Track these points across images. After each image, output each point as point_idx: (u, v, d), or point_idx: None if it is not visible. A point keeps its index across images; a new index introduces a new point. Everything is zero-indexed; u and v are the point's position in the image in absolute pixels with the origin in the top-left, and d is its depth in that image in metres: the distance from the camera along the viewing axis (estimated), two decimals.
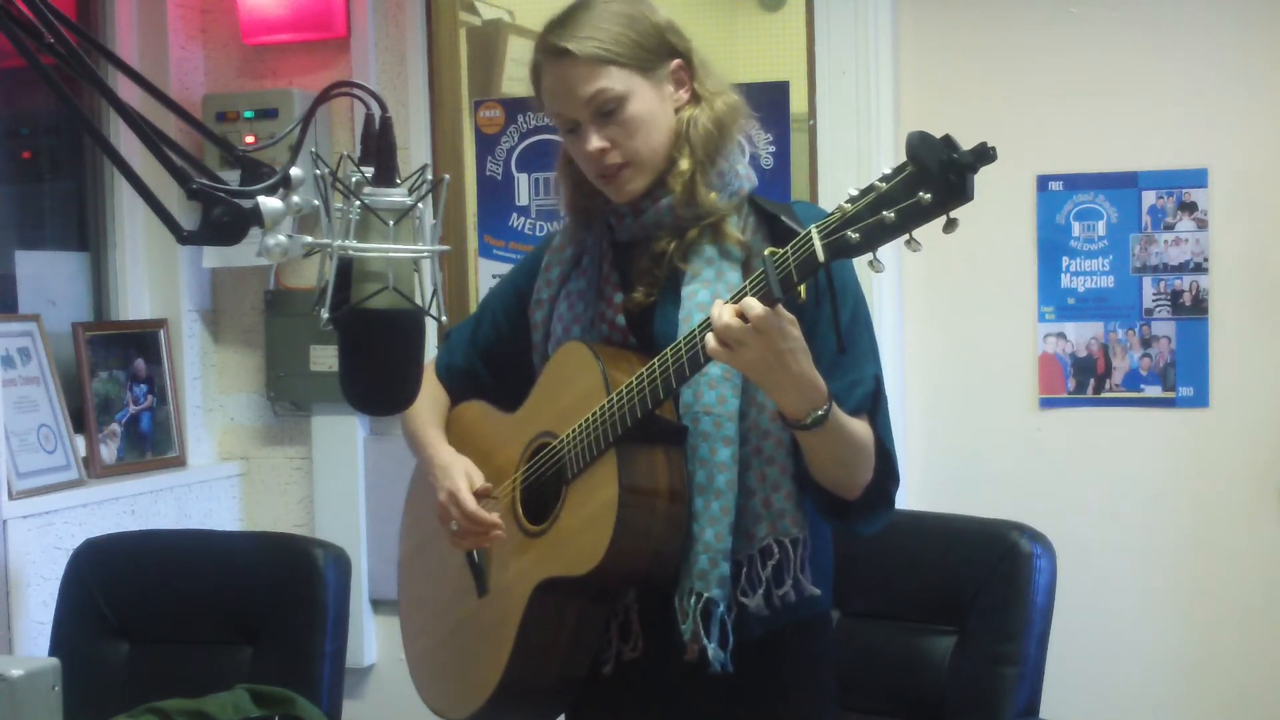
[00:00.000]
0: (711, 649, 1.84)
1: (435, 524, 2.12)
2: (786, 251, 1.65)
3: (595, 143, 1.90)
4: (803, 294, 1.68)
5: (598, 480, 1.87)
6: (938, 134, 1.54)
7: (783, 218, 1.76)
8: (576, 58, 1.88)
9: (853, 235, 1.58)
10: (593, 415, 1.88)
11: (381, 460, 3.52)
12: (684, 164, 1.91)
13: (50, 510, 3.11)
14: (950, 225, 1.55)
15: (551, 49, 1.91)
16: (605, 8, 1.92)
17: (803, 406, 1.74)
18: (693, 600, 1.84)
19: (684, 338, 1.79)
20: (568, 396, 1.95)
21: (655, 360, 1.82)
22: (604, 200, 1.99)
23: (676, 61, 1.94)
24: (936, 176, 1.52)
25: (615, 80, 1.89)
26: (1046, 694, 2.41)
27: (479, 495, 2.02)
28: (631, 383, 1.84)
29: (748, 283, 1.71)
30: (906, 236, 1.56)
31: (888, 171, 1.57)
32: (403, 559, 2.33)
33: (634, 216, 1.96)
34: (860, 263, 1.63)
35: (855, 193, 1.59)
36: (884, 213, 1.55)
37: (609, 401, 1.86)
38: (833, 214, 1.61)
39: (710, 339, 1.70)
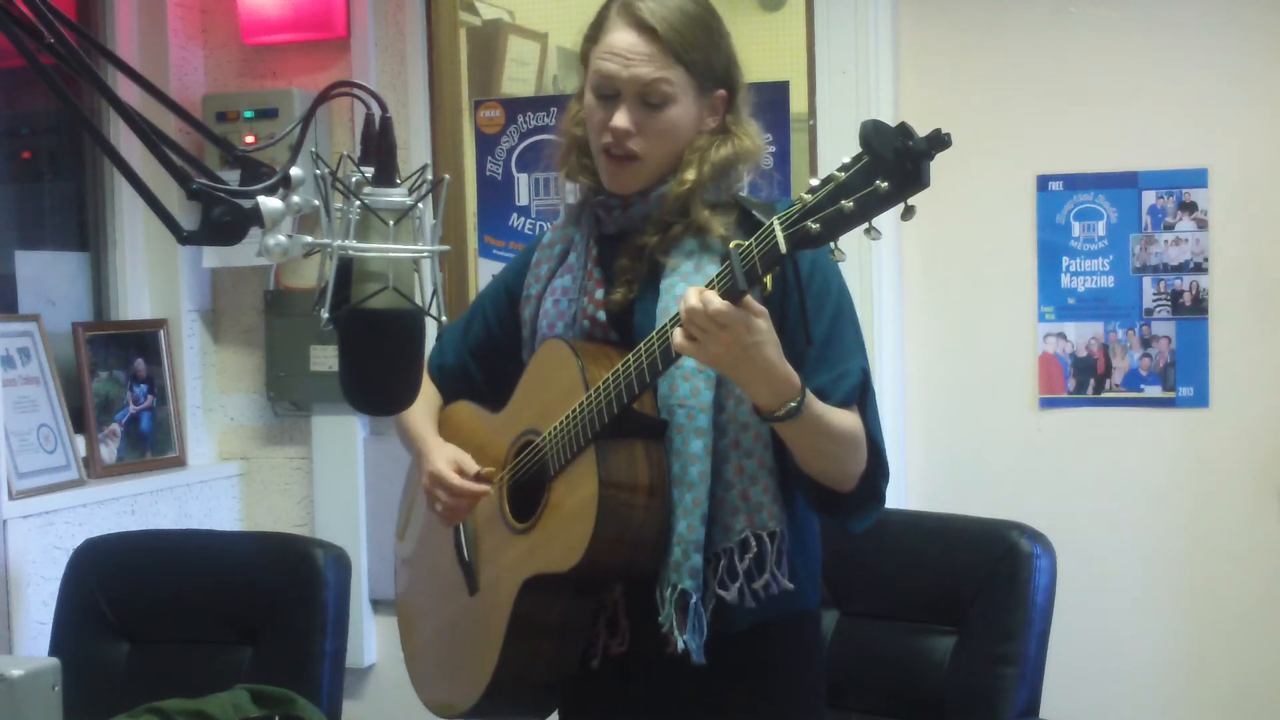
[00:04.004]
0: (684, 640, 1.84)
1: (428, 521, 2.13)
2: (751, 244, 1.66)
3: (623, 120, 1.89)
4: (768, 285, 1.67)
5: (578, 477, 1.88)
6: (927, 128, 1.54)
7: (754, 211, 1.75)
8: (658, 37, 1.88)
9: (813, 225, 1.58)
10: (572, 412, 1.89)
11: (381, 460, 3.52)
12: (689, 174, 1.91)
13: (50, 510, 3.10)
14: (908, 213, 1.55)
15: (635, 15, 1.89)
16: (698, 11, 1.92)
17: (774, 400, 1.74)
18: (669, 592, 1.85)
19: (656, 332, 1.79)
20: (549, 394, 1.96)
21: (630, 355, 1.82)
22: (593, 187, 2.00)
23: (722, 92, 1.95)
24: (892, 165, 1.52)
25: (676, 79, 1.90)
26: (1046, 694, 2.41)
27: (462, 473, 2.03)
28: (608, 378, 1.84)
29: (715, 276, 1.71)
30: (866, 225, 1.57)
31: (847, 160, 1.57)
32: (398, 558, 2.34)
33: (623, 209, 1.96)
34: (857, 232, 1.61)
35: (816, 183, 1.60)
36: (842, 202, 1.56)
37: (587, 398, 1.87)
38: (794, 205, 1.61)
39: (677, 333, 1.71)
